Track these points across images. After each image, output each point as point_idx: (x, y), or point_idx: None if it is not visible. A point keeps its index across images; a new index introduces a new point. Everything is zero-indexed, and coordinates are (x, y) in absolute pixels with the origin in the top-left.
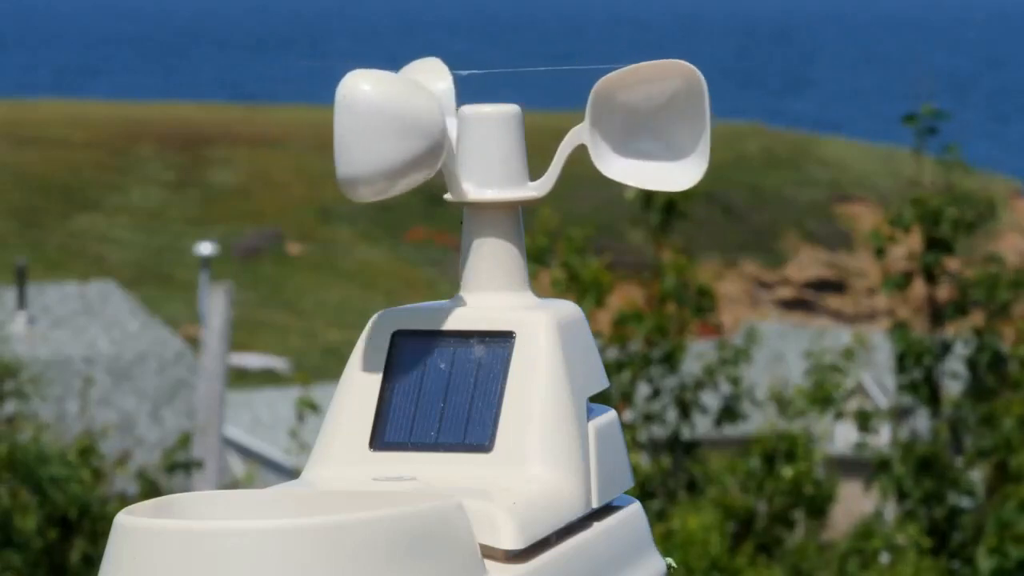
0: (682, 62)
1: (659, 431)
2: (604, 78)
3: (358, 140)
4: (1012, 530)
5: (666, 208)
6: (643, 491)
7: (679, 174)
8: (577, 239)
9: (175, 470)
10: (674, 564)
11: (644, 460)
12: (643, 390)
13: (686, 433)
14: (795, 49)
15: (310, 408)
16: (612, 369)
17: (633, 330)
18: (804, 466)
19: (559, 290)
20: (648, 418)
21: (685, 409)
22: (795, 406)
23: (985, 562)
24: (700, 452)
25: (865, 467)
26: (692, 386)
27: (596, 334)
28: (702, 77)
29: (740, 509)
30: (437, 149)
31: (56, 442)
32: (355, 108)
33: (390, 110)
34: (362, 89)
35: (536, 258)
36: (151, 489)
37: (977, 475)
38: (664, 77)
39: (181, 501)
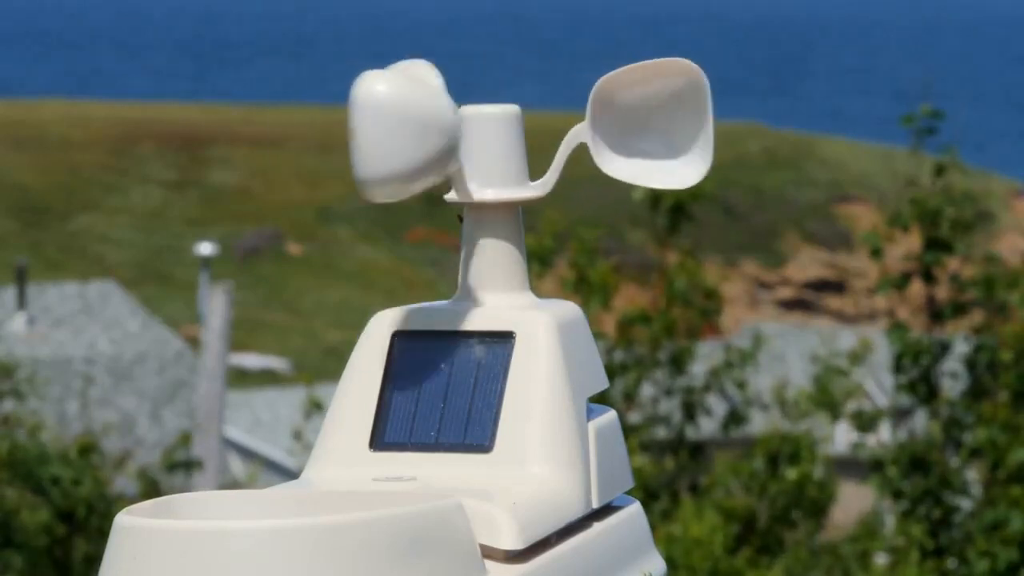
0: (684, 60)
1: (664, 432)
2: (605, 77)
3: (378, 141)
4: (1002, 532)
5: (673, 210)
6: (647, 492)
7: (681, 172)
8: (588, 239)
9: (175, 469)
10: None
11: (648, 461)
12: (647, 392)
13: (691, 434)
14: (796, 49)
15: (317, 408)
16: (617, 371)
17: (639, 332)
18: (808, 468)
19: (567, 290)
20: (653, 420)
21: (691, 411)
22: (800, 408)
23: (979, 563)
24: (705, 454)
25: (864, 467)
26: (699, 389)
27: (601, 336)
28: (704, 76)
29: (743, 511)
30: (454, 148)
31: (56, 442)
32: (374, 109)
33: (409, 111)
34: (379, 90)
35: (542, 260)
36: (151, 489)
37: (973, 475)
38: (665, 75)
39: (180, 501)
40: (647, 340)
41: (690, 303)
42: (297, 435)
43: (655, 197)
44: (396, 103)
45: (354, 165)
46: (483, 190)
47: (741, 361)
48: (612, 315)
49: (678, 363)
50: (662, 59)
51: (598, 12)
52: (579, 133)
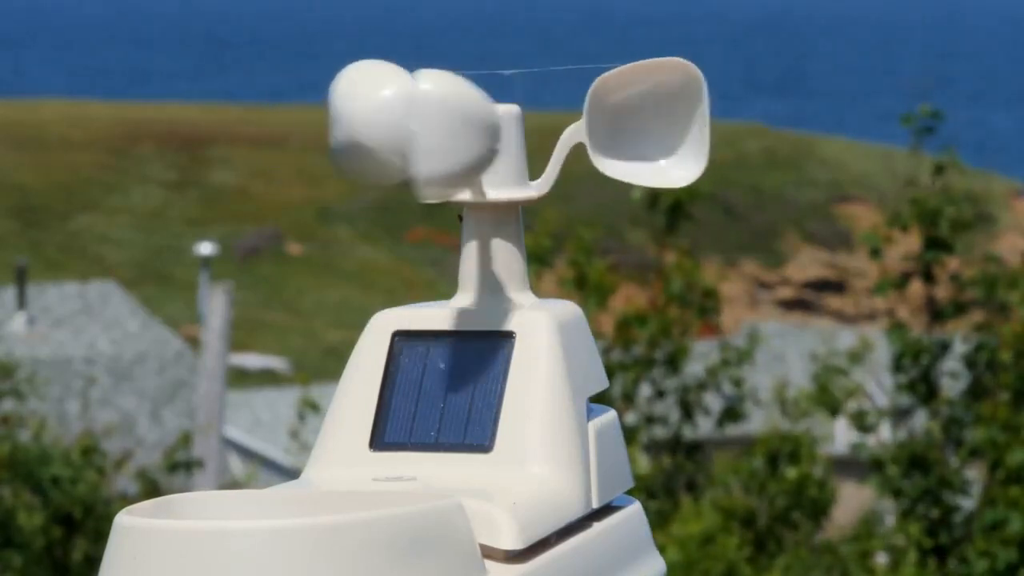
0: (681, 60)
1: (661, 432)
2: (602, 76)
3: (441, 139)
4: (1001, 532)
5: (672, 209)
6: (645, 491)
7: (676, 172)
8: (586, 239)
9: (176, 469)
10: None
11: (646, 461)
12: (645, 391)
13: (688, 434)
14: (796, 48)
15: (311, 408)
16: (615, 370)
17: (637, 332)
18: (808, 467)
19: (566, 289)
20: (650, 419)
21: (688, 410)
22: (800, 408)
23: (979, 563)
24: (704, 453)
25: (864, 467)
26: (695, 387)
27: (600, 335)
28: (701, 75)
29: (742, 510)
30: (499, 146)
31: (57, 442)
32: (438, 107)
33: (469, 109)
34: (442, 89)
35: (540, 259)
36: (152, 489)
37: (973, 475)
38: (662, 75)
39: (180, 501)
40: (645, 340)
41: (687, 303)
42: (294, 434)
43: (654, 196)
44: (455, 102)
45: (416, 164)
46: (483, 190)
47: (738, 359)
48: (610, 315)
49: (674, 363)
50: (659, 59)
51: (599, 12)
52: (576, 132)
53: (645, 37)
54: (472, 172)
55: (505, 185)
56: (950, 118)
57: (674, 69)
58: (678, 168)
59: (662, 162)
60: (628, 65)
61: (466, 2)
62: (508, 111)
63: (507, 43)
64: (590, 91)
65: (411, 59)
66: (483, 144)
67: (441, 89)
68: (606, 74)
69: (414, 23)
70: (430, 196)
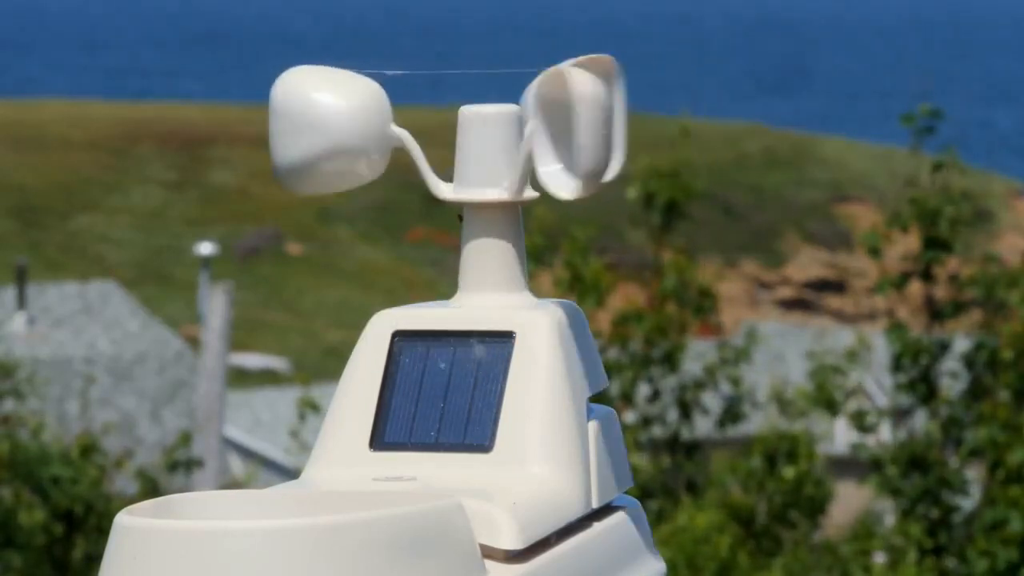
0: (576, 70)
1: (660, 431)
2: (539, 79)
3: (273, 136)
4: (1002, 532)
5: (667, 208)
6: (643, 491)
7: (564, 182)
8: (580, 239)
9: (176, 468)
10: None
11: (644, 460)
12: (643, 390)
13: (686, 433)
14: (796, 48)
15: (311, 408)
16: (612, 369)
17: (633, 330)
18: (806, 465)
19: (561, 290)
20: (648, 420)
21: (686, 409)
22: (797, 407)
23: (979, 563)
24: (702, 453)
25: (863, 467)
26: (693, 386)
27: (596, 334)
28: (599, 86)
29: (742, 509)
30: (342, 150)
31: (56, 441)
32: (271, 106)
33: (289, 108)
34: (277, 87)
35: (535, 258)
36: (151, 488)
37: (972, 474)
38: (571, 80)
39: (181, 501)
40: (641, 338)
41: (684, 300)
42: (294, 434)
43: (648, 195)
44: (281, 101)
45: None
46: (483, 190)
47: (736, 358)
48: (606, 313)
49: (671, 360)
50: (568, 64)
51: (600, 11)
52: (529, 135)
53: (645, 36)
54: (315, 167)
55: (503, 185)
56: (951, 118)
57: (559, 78)
58: (565, 178)
59: (560, 168)
60: (554, 67)
61: (467, 2)
62: (506, 111)
63: (508, 43)
64: (534, 92)
65: (411, 59)
66: (318, 141)
67: (279, 87)
68: (540, 76)
69: (414, 23)
70: (288, 187)
